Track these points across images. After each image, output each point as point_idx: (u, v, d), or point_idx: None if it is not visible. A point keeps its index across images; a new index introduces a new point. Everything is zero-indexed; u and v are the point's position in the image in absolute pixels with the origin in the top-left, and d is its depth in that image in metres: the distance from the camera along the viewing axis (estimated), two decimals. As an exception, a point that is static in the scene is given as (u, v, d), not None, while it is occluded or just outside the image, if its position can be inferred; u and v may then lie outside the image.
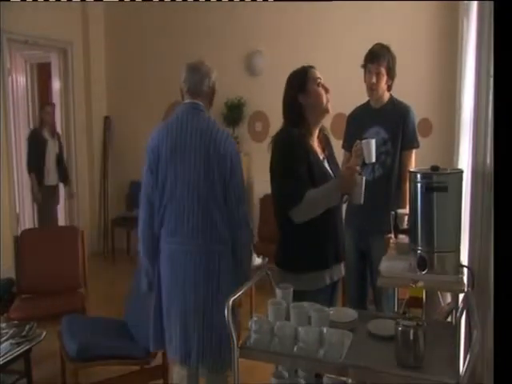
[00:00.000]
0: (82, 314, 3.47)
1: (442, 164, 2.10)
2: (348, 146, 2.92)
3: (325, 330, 1.68)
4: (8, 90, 5.35)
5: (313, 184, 2.16)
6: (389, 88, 2.94)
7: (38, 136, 5.54)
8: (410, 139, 2.89)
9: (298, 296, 1.93)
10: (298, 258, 2.23)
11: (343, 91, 3.74)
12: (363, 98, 3.02)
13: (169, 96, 5.34)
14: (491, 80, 2.03)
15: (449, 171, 2.09)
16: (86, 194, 6.37)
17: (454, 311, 2.39)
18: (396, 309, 2.63)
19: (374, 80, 2.86)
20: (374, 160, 2.59)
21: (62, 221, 6.09)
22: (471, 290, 1.90)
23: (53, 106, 5.84)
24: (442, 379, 1.49)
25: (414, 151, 2.92)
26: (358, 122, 3.02)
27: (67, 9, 5.80)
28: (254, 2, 5.37)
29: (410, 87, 3.98)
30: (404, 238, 2.27)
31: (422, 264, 2.03)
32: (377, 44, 2.92)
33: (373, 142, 2.56)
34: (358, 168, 2.24)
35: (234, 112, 5.60)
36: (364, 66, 2.91)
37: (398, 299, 2.63)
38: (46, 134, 5.58)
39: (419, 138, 2.96)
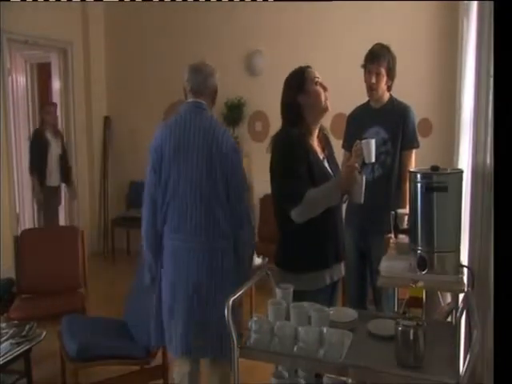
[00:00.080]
0: (82, 314, 3.46)
1: (442, 164, 2.11)
2: (348, 145, 2.92)
3: (325, 329, 1.67)
4: (8, 90, 5.34)
5: (313, 184, 2.16)
6: (389, 88, 2.95)
7: (41, 137, 5.47)
8: (409, 139, 2.90)
9: (298, 296, 1.92)
10: (298, 257, 2.23)
11: (343, 91, 3.74)
12: (363, 98, 3.02)
13: (169, 96, 5.36)
14: (491, 80, 2.03)
15: (449, 171, 2.10)
16: (86, 194, 6.37)
17: (453, 311, 2.39)
18: (396, 309, 2.63)
19: (373, 80, 2.87)
20: (373, 160, 2.58)
21: (62, 221, 6.08)
22: (471, 290, 1.90)
23: (55, 105, 5.76)
24: (442, 379, 1.49)
25: (413, 151, 2.93)
26: (358, 122, 3.03)
27: (67, 9, 5.80)
28: (254, 2, 5.36)
29: (409, 87, 3.98)
30: (404, 238, 2.27)
31: (422, 264, 2.03)
32: (377, 44, 2.92)
33: (373, 141, 2.56)
34: (357, 165, 2.24)
35: (234, 112, 5.60)
36: (364, 66, 2.91)
37: (398, 299, 2.63)
38: (49, 135, 5.49)
39: (419, 138, 2.96)
